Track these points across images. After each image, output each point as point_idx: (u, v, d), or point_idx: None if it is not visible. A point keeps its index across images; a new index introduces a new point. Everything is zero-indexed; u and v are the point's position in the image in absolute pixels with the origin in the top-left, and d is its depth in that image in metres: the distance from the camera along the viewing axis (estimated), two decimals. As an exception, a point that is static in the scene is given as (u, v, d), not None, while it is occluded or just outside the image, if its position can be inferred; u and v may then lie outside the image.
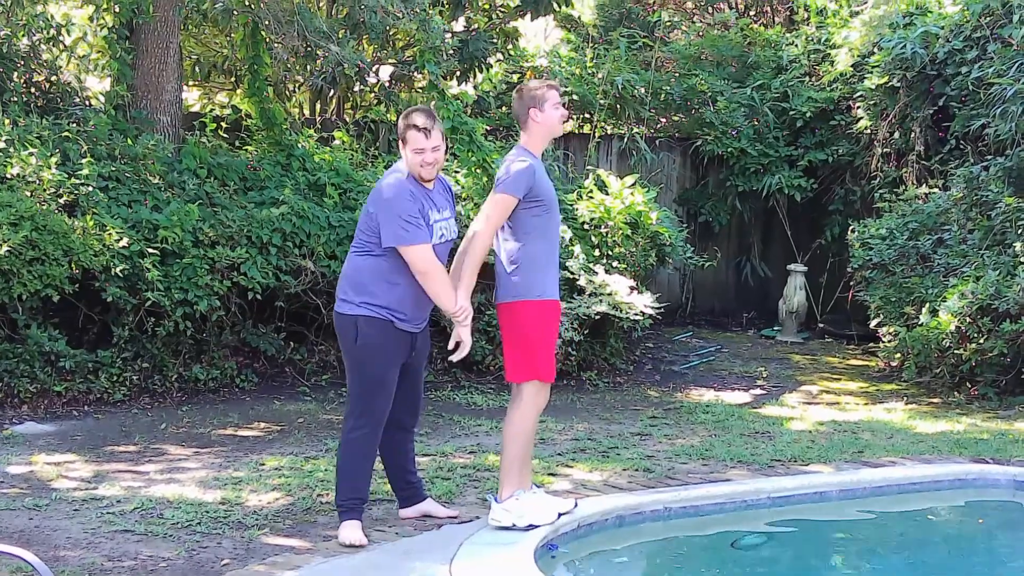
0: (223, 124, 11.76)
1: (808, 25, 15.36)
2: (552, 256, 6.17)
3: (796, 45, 15.06)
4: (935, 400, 10.68)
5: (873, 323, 12.16)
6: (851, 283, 12.91)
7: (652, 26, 16.36)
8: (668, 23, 16.89)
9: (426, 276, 5.82)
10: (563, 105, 6.48)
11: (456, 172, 11.31)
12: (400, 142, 5.87)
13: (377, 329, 5.84)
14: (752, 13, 18.40)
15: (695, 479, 7.39)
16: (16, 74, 10.42)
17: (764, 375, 11.85)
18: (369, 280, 5.86)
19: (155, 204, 9.57)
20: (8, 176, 8.77)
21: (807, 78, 14.83)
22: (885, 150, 13.64)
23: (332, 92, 13.24)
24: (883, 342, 12.02)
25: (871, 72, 13.46)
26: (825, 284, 14.46)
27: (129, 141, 9.95)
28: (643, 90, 14.26)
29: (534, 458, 7.79)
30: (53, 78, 10.87)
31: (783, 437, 8.87)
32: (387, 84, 13.56)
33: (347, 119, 13.02)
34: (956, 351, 10.53)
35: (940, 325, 10.52)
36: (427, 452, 7.90)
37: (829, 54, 14.54)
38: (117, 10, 10.41)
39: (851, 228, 12.73)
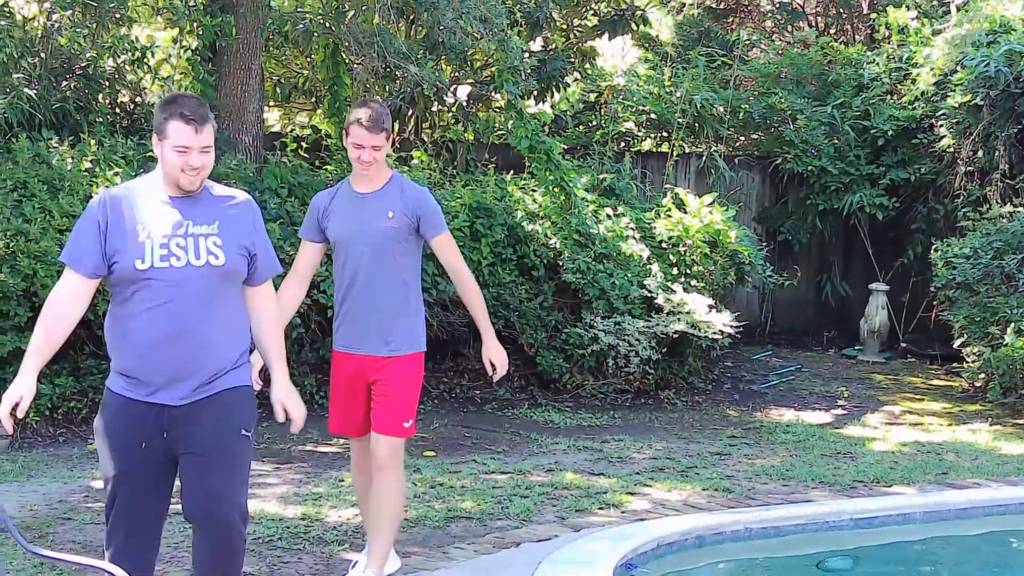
0: (303, 144, 11.89)
1: (889, 43, 15.20)
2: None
3: (877, 63, 14.91)
4: (1020, 421, 10.49)
5: (957, 343, 11.97)
6: (934, 302, 12.73)
7: (731, 45, 16.30)
8: (747, 41, 16.81)
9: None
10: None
11: (533, 191, 11.33)
12: (155, 135, 4.31)
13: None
14: (832, 31, 18.28)
15: (776, 499, 7.32)
16: (102, 95, 10.60)
17: (845, 395, 11.71)
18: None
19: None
20: (94, 195, 8.90)
21: (888, 96, 14.67)
22: (968, 168, 13.45)
23: (410, 112, 13.33)
24: (967, 362, 11.83)
25: (954, 90, 13.29)
26: (907, 303, 14.27)
27: (212, 161, 10.07)
28: (722, 108, 14.20)
29: (612, 477, 7.78)
30: (137, 99, 11.06)
31: (865, 458, 8.76)
32: (465, 104, 13.64)
33: (425, 138, 13.10)
34: (1042, 372, 10.35)
35: (1026, 345, 10.35)
36: (504, 470, 7.90)
37: (911, 72, 14.37)
38: (201, 32, 10.59)
39: (934, 247, 12.55)
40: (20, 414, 4.04)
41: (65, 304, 4.21)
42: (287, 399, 4.56)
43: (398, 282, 5.36)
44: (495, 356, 5.51)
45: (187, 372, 4.22)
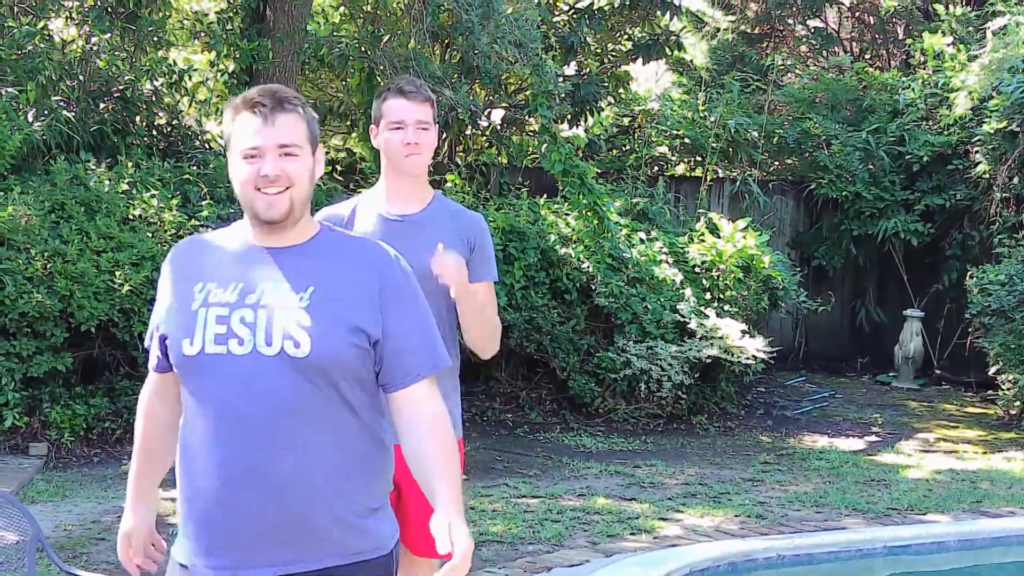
0: (338, 167, 11.95)
1: (925, 69, 15.17)
2: None
3: (912, 89, 14.86)
4: (1057, 450, 10.42)
5: (992, 370, 11.89)
6: (969, 329, 12.65)
7: (765, 70, 16.30)
8: (782, 66, 16.80)
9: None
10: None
11: (567, 215, 11.34)
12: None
13: None
14: (867, 56, 18.25)
15: (809, 526, 7.28)
16: (139, 117, 10.69)
17: (879, 422, 11.64)
18: None
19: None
20: (131, 217, 8.98)
21: (924, 122, 14.62)
22: (1004, 195, 13.37)
23: (444, 135, 13.38)
24: (1002, 390, 11.74)
25: (990, 116, 13.23)
26: (942, 330, 14.19)
27: (247, 184, 10.14)
28: (756, 133, 14.18)
29: (644, 502, 7.76)
30: (174, 122, 11.14)
31: (899, 485, 8.70)
32: (499, 127, 13.68)
33: (459, 162, 13.14)
34: (1079, 400, 10.27)
35: (1062, 373, 10.27)
36: (536, 494, 7.89)
37: (947, 98, 14.32)
38: (238, 56, 10.68)
39: (969, 274, 12.48)
40: (138, 560, 3.05)
41: (147, 401, 3.09)
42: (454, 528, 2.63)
43: (450, 341, 3.88)
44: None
45: (266, 538, 2.67)
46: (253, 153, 2.69)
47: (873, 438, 10.87)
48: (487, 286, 4.00)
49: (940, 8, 16.08)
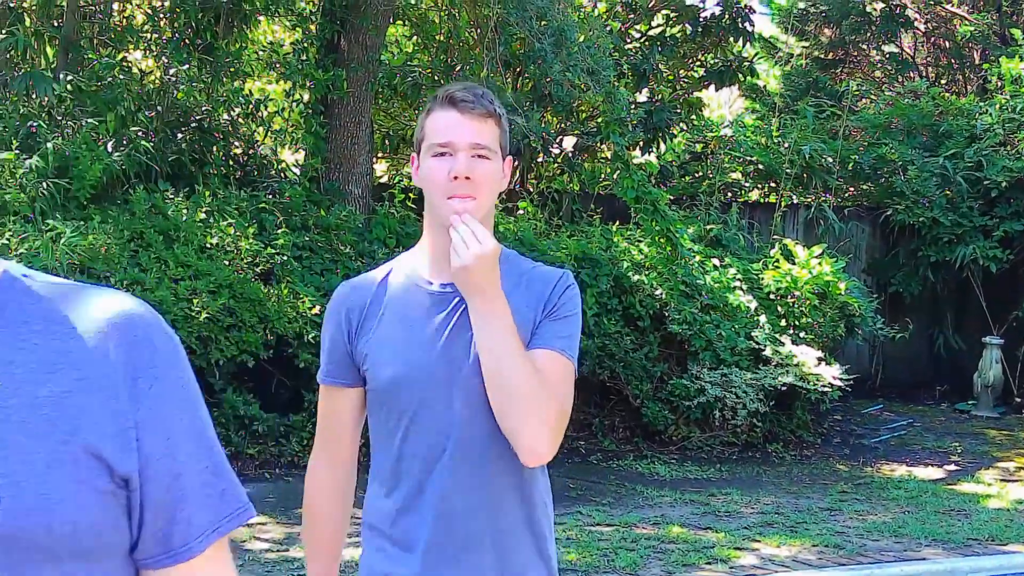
0: (411, 195, 12.01)
1: (1002, 94, 14.98)
2: None
3: (990, 114, 14.69)
4: None
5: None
6: (1050, 357, 12.45)
7: (840, 95, 16.19)
8: (856, 92, 16.67)
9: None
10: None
11: (639, 241, 11.31)
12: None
13: None
14: (943, 81, 18.07)
15: (888, 557, 7.17)
16: (216, 147, 10.82)
17: (958, 450, 11.46)
18: None
19: (346, 273, 9.78)
20: (208, 246, 9.09)
21: (1002, 147, 14.44)
22: (1084, 220, 13.18)
23: (516, 163, 13.42)
24: (1086, 419, 11.54)
25: (1069, 140, 13.06)
26: (1022, 358, 13.96)
27: (322, 212, 10.24)
28: (831, 159, 14.07)
29: (720, 531, 7.69)
30: (251, 151, 11.27)
31: (979, 515, 8.55)
32: (571, 154, 13.69)
33: (531, 189, 13.17)
34: None
35: None
36: (610, 522, 7.85)
37: (1025, 122, 14.15)
38: (313, 86, 10.79)
39: (1050, 300, 12.29)
40: None
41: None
42: None
43: (507, 448, 2.59)
44: None
45: None
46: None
47: (952, 467, 10.70)
48: (552, 356, 2.58)
49: (1017, 33, 15.88)
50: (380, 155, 14.31)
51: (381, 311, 2.69)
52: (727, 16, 14.47)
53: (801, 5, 19.14)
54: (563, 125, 13.65)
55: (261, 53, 12.00)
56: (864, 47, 19.12)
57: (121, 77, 10.18)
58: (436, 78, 12.08)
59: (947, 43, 18.85)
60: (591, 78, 10.80)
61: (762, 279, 11.36)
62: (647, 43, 14.65)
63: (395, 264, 2.79)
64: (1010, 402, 13.98)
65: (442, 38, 12.63)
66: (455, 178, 2.54)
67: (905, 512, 8.62)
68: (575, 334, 2.66)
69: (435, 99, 2.65)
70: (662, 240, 11.01)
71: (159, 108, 10.41)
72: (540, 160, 13.50)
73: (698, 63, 15.44)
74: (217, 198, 9.67)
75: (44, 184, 8.85)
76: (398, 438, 2.65)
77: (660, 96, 14.87)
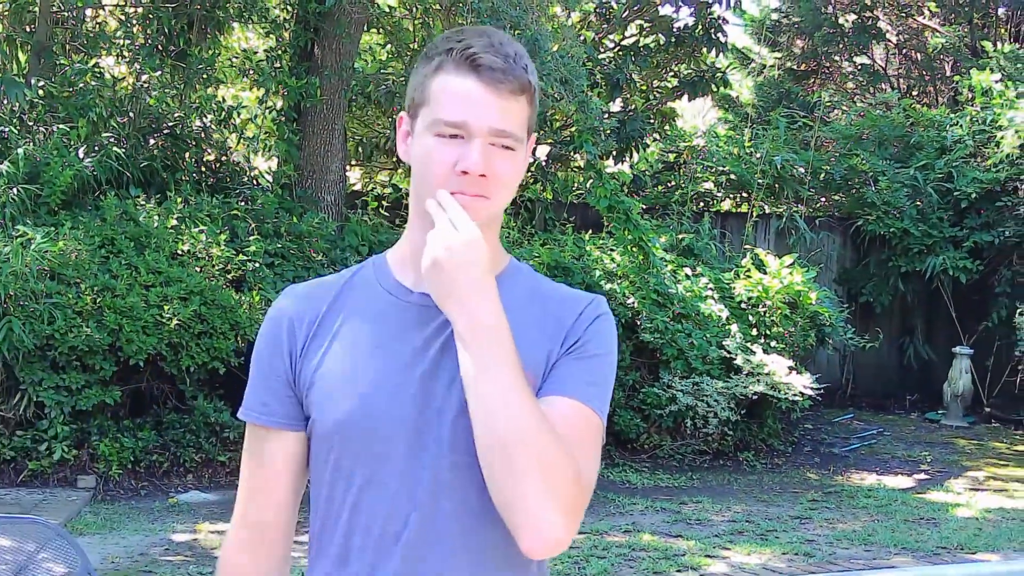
0: (384, 202, 12.02)
1: (973, 105, 15.09)
2: None
3: (960, 125, 14.79)
4: (1111, 490, 10.27)
5: (1043, 408, 11.77)
6: (1019, 367, 12.52)
7: (812, 106, 16.28)
8: (828, 103, 16.76)
9: None
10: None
11: (612, 250, 11.33)
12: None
13: None
14: (915, 93, 18.19)
15: (857, 565, 7.20)
16: (188, 154, 10.81)
17: (928, 460, 11.52)
18: None
19: (318, 280, 9.76)
20: (179, 252, 9.07)
21: (972, 159, 14.54)
22: (1054, 231, 13.28)
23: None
24: (1054, 428, 11.62)
25: (1039, 152, 13.16)
26: (992, 367, 14.05)
27: (295, 219, 10.23)
28: (802, 169, 14.14)
29: (690, 539, 7.71)
30: (223, 158, 11.26)
31: (949, 524, 8.60)
32: (544, 163, 13.71)
33: (505, 198, 13.15)
34: None
35: (1115, 411, 10.14)
36: (582, 530, 7.85)
37: (995, 135, 14.24)
38: (286, 93, 10.79)
39: (1019, 311, 12.37)
40: None
41: None
42: None
43: (500, 532, 1.85)
44: None
45: None
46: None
47: (922, 476, 10.76)
48: (573, 407, 1.91)
49: (988, 45, 16.02)
50: (353, 163, 14.31)
51: (336, 327, 1.98)
52: (700, 27, 14.53)
53: (774, 16, 19.26)
54: (537, 134, 13.67)
55: (234, 60, 12.01)
56: (836, 59, 19.24)
57: (93, 83, 10.16)
58: (410, 86, 12.09)
59: (919, 55, 18.99)
60: (564, 87, 10.82)
61: (734, 288, 11.39)
62: (621, 53, 14.69)
63: (363, 268, 2.08)
64: (979, 412, 14.06)
65: (416, 46, 12.63)
66: (464, 172, 1.87)
67: (875, 520, 8.66)
68: (607, 381, 1.99)
69: (448, 51, 1.92)
70: (634, 249, 11.03)
71: (131, 114, 10.39)
72: (513, 169, 13.49)
73: (671, 73, 15.49)
74: (189, 204, 9.66)
75: (15, 190, 8.82)
76: (348, 506, 1.94)
77: (633, 106, 14.92)
